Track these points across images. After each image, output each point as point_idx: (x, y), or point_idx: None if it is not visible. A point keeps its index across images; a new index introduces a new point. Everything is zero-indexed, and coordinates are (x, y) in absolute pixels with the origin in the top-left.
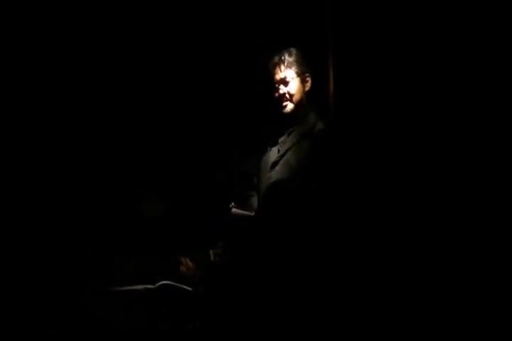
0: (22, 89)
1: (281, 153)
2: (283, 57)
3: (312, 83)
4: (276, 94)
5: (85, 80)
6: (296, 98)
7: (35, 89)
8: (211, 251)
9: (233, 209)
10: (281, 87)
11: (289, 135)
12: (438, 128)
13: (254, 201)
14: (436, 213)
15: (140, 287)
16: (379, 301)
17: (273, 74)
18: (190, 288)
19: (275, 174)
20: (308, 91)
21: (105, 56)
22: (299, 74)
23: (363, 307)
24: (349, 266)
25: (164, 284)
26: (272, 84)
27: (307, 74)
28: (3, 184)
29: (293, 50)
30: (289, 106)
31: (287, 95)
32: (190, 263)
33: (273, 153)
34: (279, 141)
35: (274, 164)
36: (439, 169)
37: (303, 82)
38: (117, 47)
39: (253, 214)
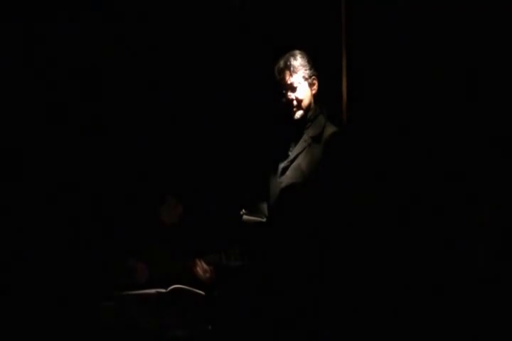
0: (22, 90)
1: (291, 157)
2: (288, 63)
3: (319, 84)
4: (284, 100)
5: (87, 82)
6: (304, 103)
7: (35, 90)
8: (223, 255)
9: (244, 216)
10: (289, 93)
11: (298, 139)
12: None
13: (265, 207)
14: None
15: (152, 291)
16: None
17: (279, 80)
18: (202, 292)
19: (286, 179)
20: (315, 93)
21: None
22: (306, 79)
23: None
24: (360, 267)
25: (176, 288)
26: (279, 89)
27: (314, 77)
28: (17, 187)
29: (297, 54)
30: (299, 112)
31: (295, 101)
32: (205, 266)
33: (283, 159)
34: (290, 146)
35: (285, 169)
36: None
37: (310, 85)
38: (123, 50)
39: (264, 220)
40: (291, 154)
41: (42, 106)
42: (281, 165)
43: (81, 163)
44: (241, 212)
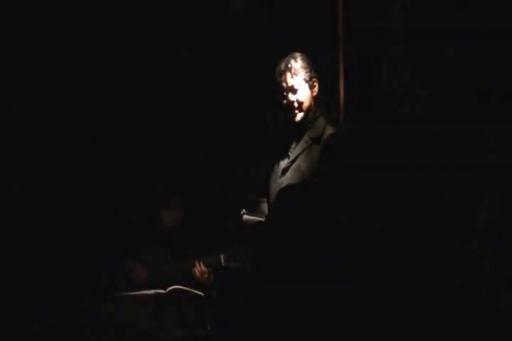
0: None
1: (291, 158)
2: (289, 65)
3: (319, 87)
4: (285, 102)
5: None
6: (305, 105)
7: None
8: (222, 256)
9: (244, 216)
10: (290, 95)
11: (298, 141)
12: None
13: (265, 207)
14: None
15: (151, 292)
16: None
17: (280, 82)
18: (201, 293)
19: (286, 180)
20: (316, 95)
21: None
22: (306, 81)
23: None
24: (360, 267)
25: (175, 289)
26: (279, 91)
27: (314, 79)
28: (17, 186)
29: (298, 56)
30: (299, 115)
31: (296, 103)
32: (203, 267)
33: (283, 159)
34: (290, 147)
35: (285, 170)
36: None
37: (311, 87)
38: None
39: (264, 219)
40: (292, 155)
41: (43, 107)
42: (282, 166)
43: (82, 162)
44: (241, 212)
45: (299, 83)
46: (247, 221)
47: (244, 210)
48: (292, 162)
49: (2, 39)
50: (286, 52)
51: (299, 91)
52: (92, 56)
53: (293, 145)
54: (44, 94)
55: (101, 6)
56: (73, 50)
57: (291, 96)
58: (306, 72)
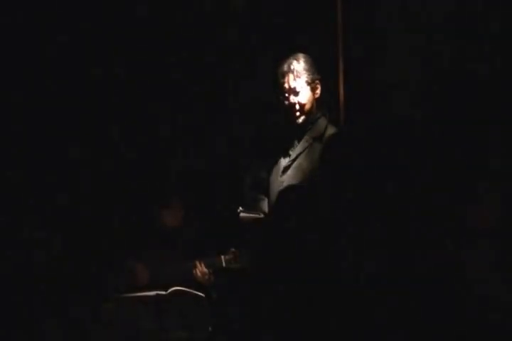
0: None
1: (292, 157)
2: (292, 67)
3: (322, 88)
4: (287, 103)
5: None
6: (307, 107)
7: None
8: (223, 257)
9: (241, 214)
10: (291, 97)
11: (300, 140)
12: None
13: (264, 205)
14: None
15: (152, 293)
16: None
17: (282, 84)
18: (202, 294)
19: (287, 178)
20: (318, 97)
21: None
22: (308, 83)
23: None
24: (360, 267)
25: (176, 290)
26: (281, 92)
27: (317, 82)
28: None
29: (301, 57)
30: (301, 117)
31: (297, 106)
32: (204, 268)
33: (284, 158)
34: (292, 145)
35: (286, 168)
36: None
37: (313, 89)
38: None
39: (262, 216)
40: (293, 153)
41: (43, 107)
42: (283, 164)
43: (82, 162)
44: (238, 210)
45: (301, 85)
46: (244, 218)
47: (240, 208)
48: (293, 160)
49: (2, 39)
50: (287, 53)
51: (300, 94)
52: (92, 56)
53: (294, 144)
54: (44, 94)
55: (101, 6)
56: (73, 50)
57: (293, 99)
58: (309, 75)
